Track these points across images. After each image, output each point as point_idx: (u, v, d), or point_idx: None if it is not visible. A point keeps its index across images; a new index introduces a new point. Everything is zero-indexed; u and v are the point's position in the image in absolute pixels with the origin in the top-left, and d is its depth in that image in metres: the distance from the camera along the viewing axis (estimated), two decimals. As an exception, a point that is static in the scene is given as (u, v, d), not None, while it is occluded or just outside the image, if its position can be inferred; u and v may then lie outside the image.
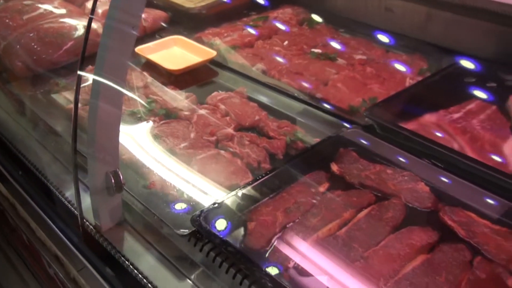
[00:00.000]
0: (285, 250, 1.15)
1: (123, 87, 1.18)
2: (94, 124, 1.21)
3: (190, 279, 1.23)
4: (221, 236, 1.16)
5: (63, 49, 1.90)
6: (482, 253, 1.14)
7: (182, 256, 1.26)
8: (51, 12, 2.03)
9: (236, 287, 1.13)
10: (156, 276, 1.24)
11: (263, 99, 1.77)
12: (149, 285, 1.22)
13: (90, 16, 1.23)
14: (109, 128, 1.23)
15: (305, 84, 1.77)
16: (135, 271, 1.25)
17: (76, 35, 1.93)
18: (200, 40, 2.07)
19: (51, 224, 1.61)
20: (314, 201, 1.28)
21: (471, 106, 1.60)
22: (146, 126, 1.60)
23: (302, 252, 1.14)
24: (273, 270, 1.10)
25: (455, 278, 1.07)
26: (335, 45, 2.01)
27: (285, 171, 1.37)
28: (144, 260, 1.28)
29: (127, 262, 1.28)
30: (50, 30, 1.93)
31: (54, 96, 1.80)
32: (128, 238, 1.33)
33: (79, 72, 1.21)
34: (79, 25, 1.97)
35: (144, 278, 1.23)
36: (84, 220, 1.33)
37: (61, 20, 1.99)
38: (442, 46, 1.89)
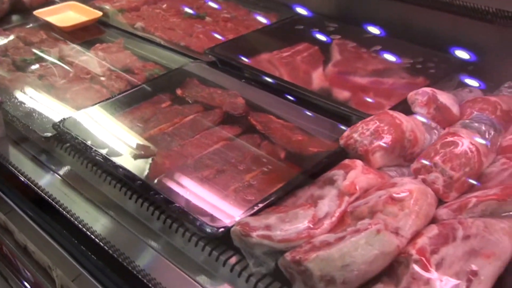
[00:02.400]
0: (124, 142, 1.52)
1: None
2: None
3: (58, 174, 1.58)
4: (73, 135, 1.51)
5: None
6: (270, 140, 1.54)
7: (51, 157, 1.62)
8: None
9: (84, 167, 1.49)
10: (34, 174, 1.58)
11: (139, 50, 2.12)
12: (25, 179, 1.57)
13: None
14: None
15: (174, 36, 2.14)
16: (15, 171, 1.60)
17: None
18: (93, 6, 2.41)
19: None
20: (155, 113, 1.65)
21: (299, 47, 1.99)
22: (34, 68, 1.95)
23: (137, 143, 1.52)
24: (110, 155, 1.47)
25: (243, 153, 1.46)
26: (206, 7, 2.39)
27: (137, 93, 1.74)
28: (23, 163, 1.63)
29: (10, 166, 1.62)
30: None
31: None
32: (10, 148, 1.68)
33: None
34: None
35: (22, 175, 1.58)
36: (-28, 136, 1.67)
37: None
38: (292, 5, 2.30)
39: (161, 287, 1.19)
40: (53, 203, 1.49)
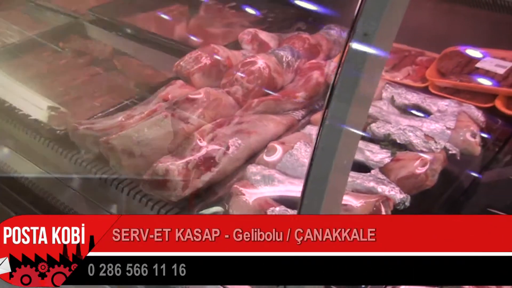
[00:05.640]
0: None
1: None
2: None
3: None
4: None
5: None
6: (126, 75, 1.90)
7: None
8: None
9: None
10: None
11: (38, 15, 2.47)
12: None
13: None
14: None
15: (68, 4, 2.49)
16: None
17: None
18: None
19: None
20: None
21: (172, 7, 2.35)
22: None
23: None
24: None
25: (100, 85, 1.82)
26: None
27: (26, 44, 2.08)
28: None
29: None
30: None
31: None
32: None
33: None
34: None
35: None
36: None
37: None
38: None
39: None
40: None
